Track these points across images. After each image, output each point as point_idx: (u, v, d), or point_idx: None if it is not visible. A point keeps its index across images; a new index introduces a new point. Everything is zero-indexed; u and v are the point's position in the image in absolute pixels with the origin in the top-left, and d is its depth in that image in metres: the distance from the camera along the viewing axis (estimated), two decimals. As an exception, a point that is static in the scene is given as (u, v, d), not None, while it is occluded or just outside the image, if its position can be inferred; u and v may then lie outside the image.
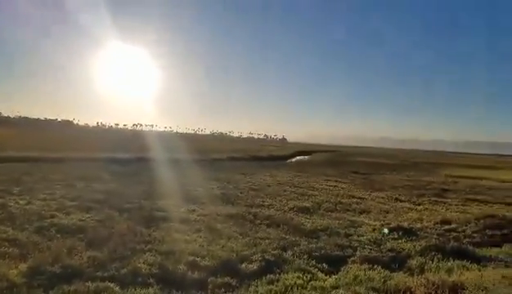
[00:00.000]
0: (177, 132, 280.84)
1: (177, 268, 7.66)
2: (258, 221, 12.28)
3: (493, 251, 10.36)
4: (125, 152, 37.99)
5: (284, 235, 10.78)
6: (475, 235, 12.08)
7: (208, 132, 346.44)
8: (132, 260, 7.76)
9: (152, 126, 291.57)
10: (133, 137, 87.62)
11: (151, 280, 7.02)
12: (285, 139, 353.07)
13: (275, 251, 9.11)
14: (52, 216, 11.13)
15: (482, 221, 13.17)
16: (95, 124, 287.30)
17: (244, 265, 8.16)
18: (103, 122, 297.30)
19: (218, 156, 46.58)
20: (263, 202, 16.10)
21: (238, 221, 12.12)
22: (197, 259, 8.17)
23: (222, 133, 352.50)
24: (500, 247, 10.94)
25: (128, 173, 23.64)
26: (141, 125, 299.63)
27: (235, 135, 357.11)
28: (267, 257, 8.65)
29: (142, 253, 8.33)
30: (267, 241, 9.99)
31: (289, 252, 9.25)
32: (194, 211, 13.36)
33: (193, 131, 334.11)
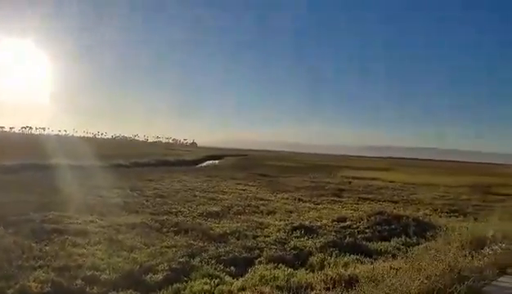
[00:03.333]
0: (73, 136, 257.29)
1: (73, 284, 7.03)
2: (165, 229, 11.85)
3: (383, 245, 11.58)
4: (13, 158, 33.35)
5: (192, 242, 10.58)
6: (367, 231, 13.34)
7: (110, 136, 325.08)
8: (21, 279, 6.90)
9: (44, 128, 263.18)
10: (23, 141, 77.86)
11: (43, 299, 6.29)
12: (195, 143, 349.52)
13: (182, 259, 8.89)
14: None
15: (373, 218, 14.55)
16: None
17: (148, 276, 7.82)
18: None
19: (121, 161, 43.77)
20: (171, 208, 15.57)
21: (143, 231, 11.49)
22: (96, 273, 7.60)
23: (125, 137, 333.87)
24: (389, 240, 12.26)
25: (16, 182, 20.78)
26: (30, 128, 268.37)
27: (141, 139, 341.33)
28: (173, 266, 8.41)
29: (32, 270, 7.46)
30: (174, 249, 9.69)
31: (198, 259, 9.13)
32: (92, 222, 12.31)
33: (92, 135, 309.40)
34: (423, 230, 13.37)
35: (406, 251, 10.28)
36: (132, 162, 45.33)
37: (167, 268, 8.22)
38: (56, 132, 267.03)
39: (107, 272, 7.72)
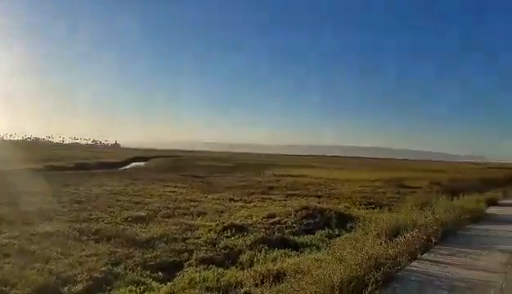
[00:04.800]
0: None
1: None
2: (85, 237, 11.00)
3: (308, 238, 12.11)
4: None
5: (115, 249, 9.98)
6: (294, 225, 13.82)
7: (20, 138, 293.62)
8: None
9: None
10: None
11: None
12: (118, 144, 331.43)
13: (104, 268, 8.34)
14: None
15: (299, 213, 15.12)
16: None
17: (66, 288, 7.22)
18: None
19: (33, 165, 39.77)
20: (90, 215, 14.50)
21: (59, 240, 10.55)
22: (5, 288, 6.85)
23: (37, 139, 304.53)
24: (314, 233, 12.87)
25: None
26: None
27: (56, 140, 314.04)
28: (95, 275, 7.86)
29: None
30: (94, 258, 9.05)
31: (122, 266, 8.66)
32: (0, 232, 11.01)
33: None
34: (344, 222, 14.27)
35: (329, 243, 10.91)
36: (46, 165, 41.49)
37: (87, 278, 7.66)
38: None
39: (18, 286, 6.97)
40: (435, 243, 8.72)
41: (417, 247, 7.92)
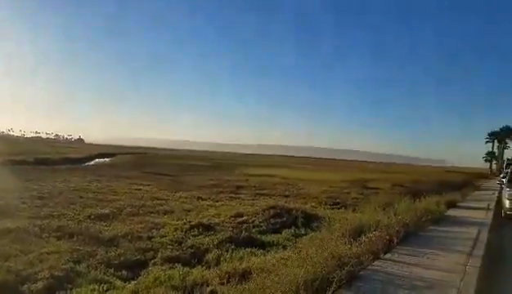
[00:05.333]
0: None
1: None
2: (46, 234, 10.59)
3: (275, 237, 12.21)
4: None
5: (78, 247, 9.67)
6: (262, 224, 13.89)
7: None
8: None
9: None
10: None
11: None
12: (82, 139, 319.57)
13: (66, 266, 8.07)
14: None
15: (267, 212, 15.21)
16: None
17: (26, 286, 6.95)
18: None
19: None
20: (53, 212, 13.96)
21: (18, 236, 10.11)
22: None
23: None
24: (281, 232, 13.00)
25: None
26: None
27: (16, 134, 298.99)
28: (56, 273, 7.58)
29: None
30: (56, 255, 8.74)
31: (84, 264, 8.42)
32: (-47, 230, 10.41)
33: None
34: (310, 221, 14.50)
35: (296, 242, 11.08)
36: (5, 159, 39.43)
37: (48, 276, 7.38)
38: None
39: (-26, 286, 6.64)
40: (397, 244, 9.05)
41: (380, 247, 8.21)
